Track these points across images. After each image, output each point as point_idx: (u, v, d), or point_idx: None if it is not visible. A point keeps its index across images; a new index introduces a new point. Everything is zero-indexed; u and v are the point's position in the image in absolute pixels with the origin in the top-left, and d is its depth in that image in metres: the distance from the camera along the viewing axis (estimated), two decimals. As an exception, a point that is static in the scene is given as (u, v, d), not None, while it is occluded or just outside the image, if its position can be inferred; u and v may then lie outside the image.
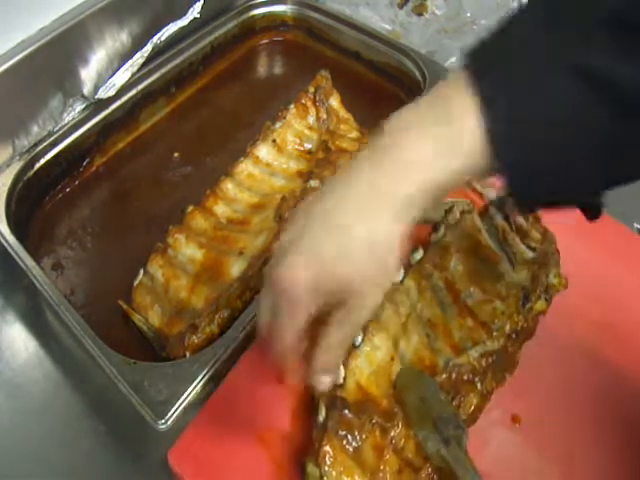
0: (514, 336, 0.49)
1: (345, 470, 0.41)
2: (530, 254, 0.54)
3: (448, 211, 0.55)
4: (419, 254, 0.53)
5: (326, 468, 0.40)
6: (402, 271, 0.51)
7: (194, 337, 0.50)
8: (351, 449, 0.42)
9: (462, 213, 0.55)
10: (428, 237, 0.54)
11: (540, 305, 0.51)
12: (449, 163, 0.32)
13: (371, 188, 0.32)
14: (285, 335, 0.34)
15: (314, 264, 0.32)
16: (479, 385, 0.47)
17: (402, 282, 0.51)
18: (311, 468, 0.41)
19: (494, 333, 0.49)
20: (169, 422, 0.44)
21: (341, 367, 0.46)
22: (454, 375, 0.47)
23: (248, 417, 0.47)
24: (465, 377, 0.47)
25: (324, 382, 0.36)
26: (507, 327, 0.49)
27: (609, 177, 0.32)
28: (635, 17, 0.28)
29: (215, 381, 0.47)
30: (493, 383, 0.48)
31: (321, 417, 0.43)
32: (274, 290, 0.33)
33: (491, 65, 0.31)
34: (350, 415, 0.43)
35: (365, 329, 0.48)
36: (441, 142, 0.31)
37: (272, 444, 0.46)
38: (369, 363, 0.47)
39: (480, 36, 0.32)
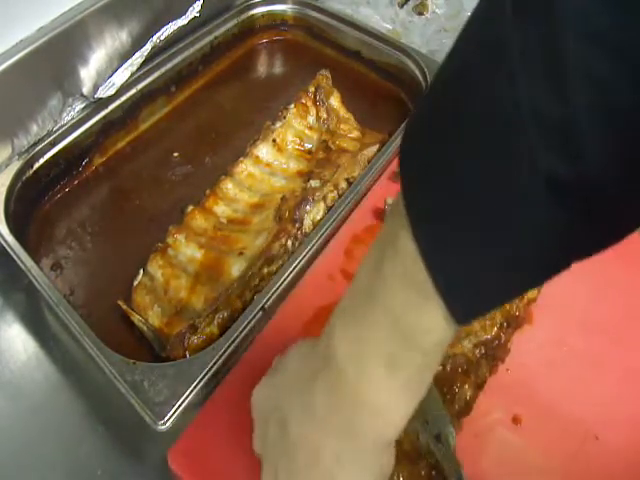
0: (506, 325, 0.50)
1: None
2: None
3: None
4: None
5: None
6: None
7: (194, 337, 0.50)
8: None
9: None
10: None
11: (531, 292, 0.52)
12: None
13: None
14: None
15: None
16: (473, 375, 0.47)
17: None
18: None
19: (487, 322, 0.49)
20: (169, 422, 0.43)
21: None
22: (449, 367, 0.47)
23: (248, 417, 0.47)
24: (460, 368, 0.47)
25: None
26: (499, 316, 0.50)
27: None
28: None
29: (215, 381, 0.47)
30: (487, 373, 0.48)
31: None
32: None
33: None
34: None
35: None
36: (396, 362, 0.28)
37: (272, 444, 0.45)
38: None
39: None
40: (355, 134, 0.69)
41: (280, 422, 0.34)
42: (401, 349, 0.28)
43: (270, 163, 0.65)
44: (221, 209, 0.61)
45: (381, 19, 0.85)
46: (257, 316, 0.50)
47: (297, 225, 0.57)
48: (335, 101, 0.71)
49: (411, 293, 0.27)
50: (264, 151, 0.66)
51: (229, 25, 0.78)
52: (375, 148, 0.66)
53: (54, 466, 0.47)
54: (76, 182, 0.66)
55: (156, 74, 0.71)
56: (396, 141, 0.64)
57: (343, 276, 0.56)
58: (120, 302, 0.54)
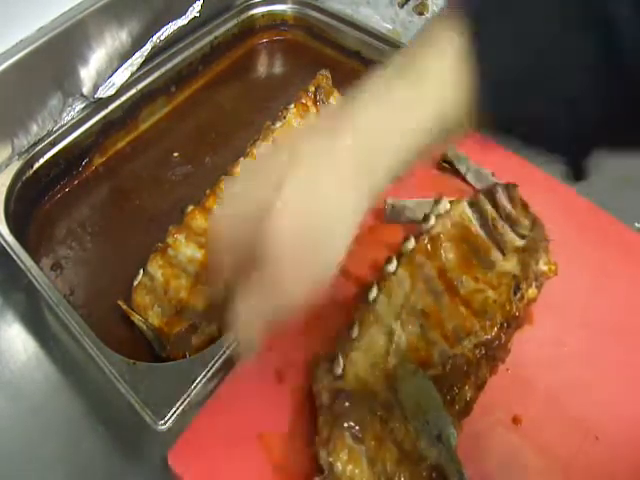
0: (506, 325, 0.50)
1: (351, 459, 0.41)
2: (520, 242, 0.54)
3: (437, 201, 0.55)
4: (411, 244, 0.53)
5: (338, 461, 0.41)
6: (395, 262, 0.52)
7: (194, 337, 0.50)
8: (355, 439, 0.42)
9: (452, 202, 0.55)
10: (419, 227, 0.54)
11: (532, 293, 0.52)
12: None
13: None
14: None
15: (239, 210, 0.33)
16: (473, 376, 0.47)
17: (395, 273, 0.51)
18: (324, 455, 0.41)
19: (487, 322, 0.49)
20: (169, 422, 0.43)
21: (340, 358, 0.46)
22: (449, 367, 0.47)
23: (248, 417, 0.47)
24: (460, 369, 0.47)
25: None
26: (499, 316, 0.50)
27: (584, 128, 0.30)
28: None
29: (215, 381, 0.47)
30: (487, 373, 0.48)
31: (325, 408, 0.44)
32: None
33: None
34: (353, 406, 0.43)
35: (361, 320, 0.48)
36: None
37: (272, 444, 0.45)
38: (366, 354, 0.47)
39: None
40: (355, 134, 0.69)
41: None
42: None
43: (270, 163, 0.65)
44: (221, 209, 0.61)
45: (381, 19, 0.85)
46: (257, 316, 0.50)
47: (297, 225, 0.57)
48: (335, 101, 0.71)
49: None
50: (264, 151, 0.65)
51: (229, 25, 0.78)
52: (375, 148, 0.65)
53: (54, 466, 0.47)
54: (76, 182, 0.66)
55: (156, 74, 0.71)
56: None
57: (343, 276, 0.56)
58: (120, 302, 0.54)
